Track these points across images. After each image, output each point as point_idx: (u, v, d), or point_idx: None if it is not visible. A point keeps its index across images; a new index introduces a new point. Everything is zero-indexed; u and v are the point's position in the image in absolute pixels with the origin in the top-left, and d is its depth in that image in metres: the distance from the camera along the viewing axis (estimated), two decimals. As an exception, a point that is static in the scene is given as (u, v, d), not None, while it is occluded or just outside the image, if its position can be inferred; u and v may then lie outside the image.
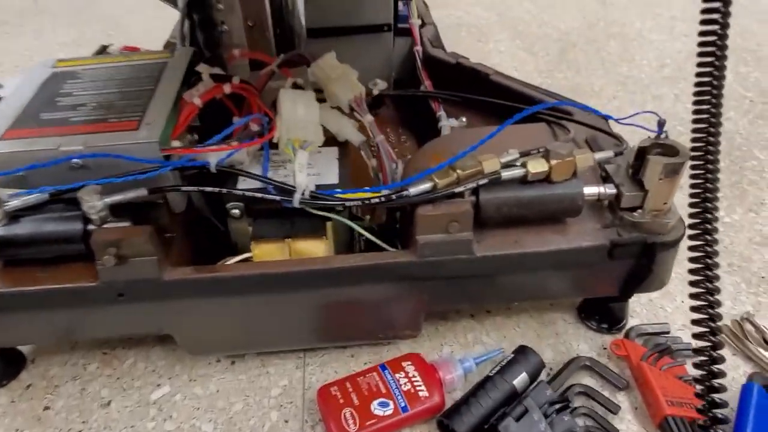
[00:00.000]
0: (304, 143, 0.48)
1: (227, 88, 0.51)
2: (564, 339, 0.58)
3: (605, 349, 0.56)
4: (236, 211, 0.48)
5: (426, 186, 0.45)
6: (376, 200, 0.44)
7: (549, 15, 1.30)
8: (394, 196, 0.44)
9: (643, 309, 0.60)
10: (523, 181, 0.46)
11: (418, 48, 0.83)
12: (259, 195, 0.46)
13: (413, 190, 0.44)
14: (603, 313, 0.57)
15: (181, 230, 0.51)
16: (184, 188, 0.46)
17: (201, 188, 0.46)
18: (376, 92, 0.82)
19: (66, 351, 0.59)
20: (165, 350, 0.58)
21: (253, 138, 0.49)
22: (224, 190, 0.45)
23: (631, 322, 0.58)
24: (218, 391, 0.55)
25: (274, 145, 0.51)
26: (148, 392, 0.55)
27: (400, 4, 0.85)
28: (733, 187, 0.76)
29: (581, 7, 1.32)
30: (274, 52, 0.69)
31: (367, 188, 0.47)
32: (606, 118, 0.55)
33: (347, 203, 0.44)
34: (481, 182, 0.45)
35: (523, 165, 0.46)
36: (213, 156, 0.46)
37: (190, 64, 0.57)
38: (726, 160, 0.81)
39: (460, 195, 0.46)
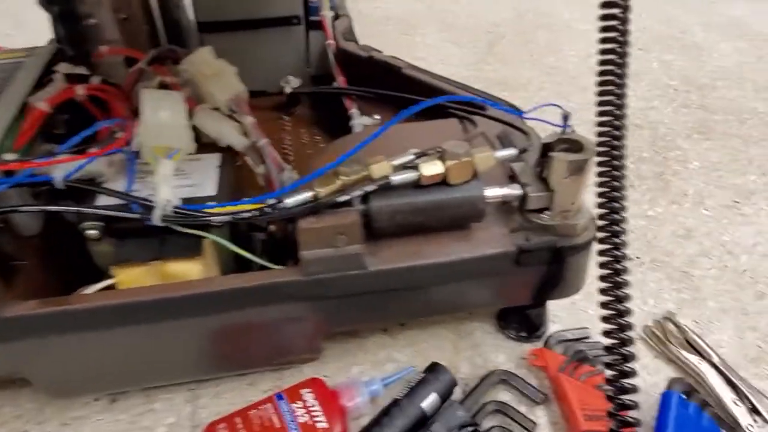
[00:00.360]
0: (171, 151, 0.41)
1: (81, 90, 0.45)
2: (482, 351, 0.54)
3: (524, 359, 0.52)
4: (93, 232, 0.41)
5: (306, 195, 0.39)
6: (248, 214, 0.38)
7: (479, 6, 1.27)
8: (267, 209, 0.38)
9: (564, 313, 0.57)
10: (418, 185, 0.42)
11: (331, 42, 0.77)
12: (115, 213, 0.39)
13: (290, 201, 0.39)
14: (521, 320, 0.53)
15: (35, 256, 0.44)
16: (22, 208, 0.39)
17: (44, 208, 0.39)
18: (288, 90, 0.76)
19: None
20: (35, 391, 0.51)
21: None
22: (72, 209, 0.39)
23: (553, 327, 0.55)
24: (94, 436, 0.48)
25: None
26: (11, 442, 0.48)
27: (312, -5, 0.80)
28: (657, 178, 0.74)
29: (510, -2, 1.30)
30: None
31: (245, 200, 0.42)
32: (511, 113, 0.51)
33: (214, 219, 0.39)
34: (369, 189, 0.40)
35: (415, 168, 0.41)
36: (58, 169, 0.40)
37: (50, 64, 0.50)
38: (650, 151, 0.79)
39: (348, 204, 0.41)
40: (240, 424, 0.45)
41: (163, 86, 0.47)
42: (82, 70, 0.50)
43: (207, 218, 0.39)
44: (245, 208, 0.39)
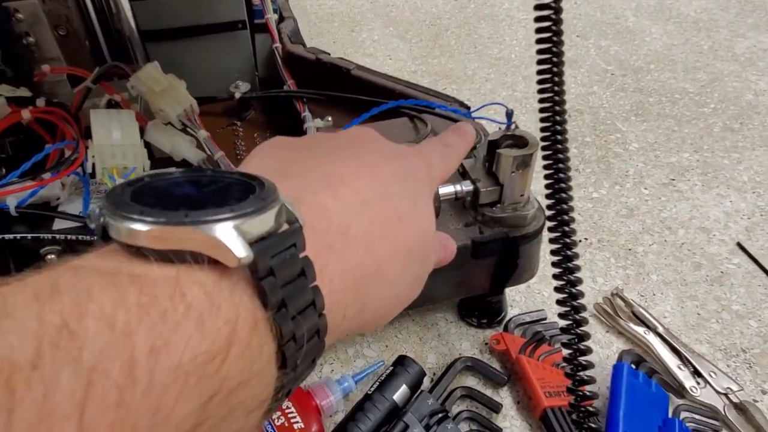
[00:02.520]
0: (126, 170, 0.42)
1: (26, 114, 0.44)
2: (446, 340, 0.56)
3: (486, 344, 0.55)
4: (52, 257, 0.41)
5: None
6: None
7: (420, 0, 1.29)
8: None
9: (522, 297, 0.60)
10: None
11: (277, 45, 0.78)
12: (72, 236, 0.39)
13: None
14: (481, 308, 0.56)
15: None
16: (-21, 239, 0.39)
17: (3, 236, 0.39)
18: (238, 95, 0.76)
19: None
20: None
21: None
22: (28, 236, 0.38)
23: (511, 312, 0.58)
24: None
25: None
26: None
27: (253, -1, 0.80)
28: (600, 161, 0.78)
29: (452, -10, 1.32)
30: (107, 61, 0.62)
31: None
32: (460, 113, 0.53)
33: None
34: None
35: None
36: (11, 197, 0.39)
37: (-9, 86, 0.49)
38: (591, 135, 0.83)
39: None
40: None
41: (112, 104, 0.47)
42: (24, 92, 0.49)
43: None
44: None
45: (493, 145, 0.45)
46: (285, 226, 0.18)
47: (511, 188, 0.45)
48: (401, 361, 0.50)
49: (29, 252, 0.42)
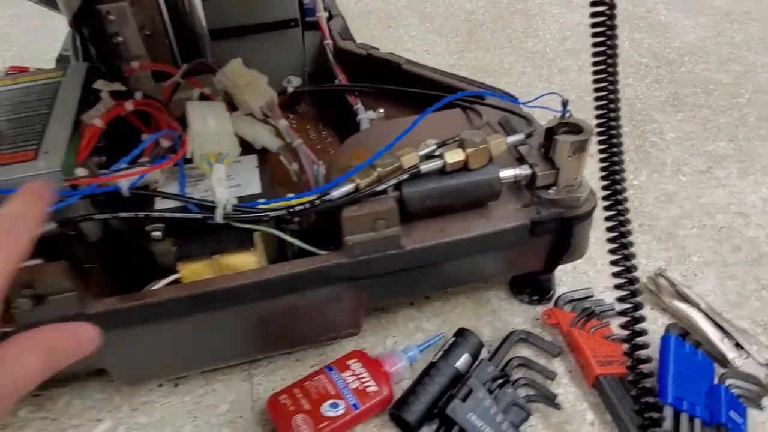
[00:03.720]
0: (220, 156, 0.46)
1: (129, 106, 0.49)
2: (500, 315, 0.60)
3: (537, 319, 0.59)
4: (157, 233, 0.46)
5: (348, 187, 0.45)
6: (301, 207, 0.44)
7: (455, -4, 1.32)
8: (318, 202, 0.44)
9: (568, 277, 0.64)
10: (443, 171, 0.47)
11: (329, 42, 0.82)
12: (179, 215, 0.44)
13: (336, 193, 0.44)
14: (532, 286, 0.60)
15: (100, 258, 0.49)
16: (96, 217, 0.44)
17: (116, 215, 0.44)
18: (290, 90, 0.81)
19: (-11, 400, 0.55)
20: (102, 383, 0.56)
21: (164, 156, 0.47)
22: (141, 214, 0.43)
23: (559, 290, 0.62)
24: (163, 417, 0.53)
25: (188, 159, 0.49)
26: (89, 430, 0.52)
27: (305, -2, 0.84)
28: (638, 150, 0.81)
29: (485, -14, 1.35)
30: (179, 59, 0.66)
31: (291, 195, 0.47)
32: (514, 102, 0.57)
33: (272, 213, 0.44)
34: (402, 177, 0.45)
35: (441, 156, 0.47)
36: (124, 180, 0.44)
37: (87, 82, 0.54)
38: (629, 126, 0.86)
39: (383, 192, 0.46)
40: (299, 393, 0.50)
41: (203, 97, 0.52)
42: (118, 86, 0.54)
43: (264, 213, 0.44)
44: (296, 202, 0.44)
45: (551, 132, 0.49)
46: None
47: (566, 172, 0.49)
48: (461, 333, 0.55)
49: (133, 229, 0.47)
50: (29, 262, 0.43)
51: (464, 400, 0.49)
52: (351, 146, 0.59)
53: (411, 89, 0.69)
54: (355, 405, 0.50)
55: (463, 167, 0.47)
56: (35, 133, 0.48)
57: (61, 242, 0.45)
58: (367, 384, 0.51)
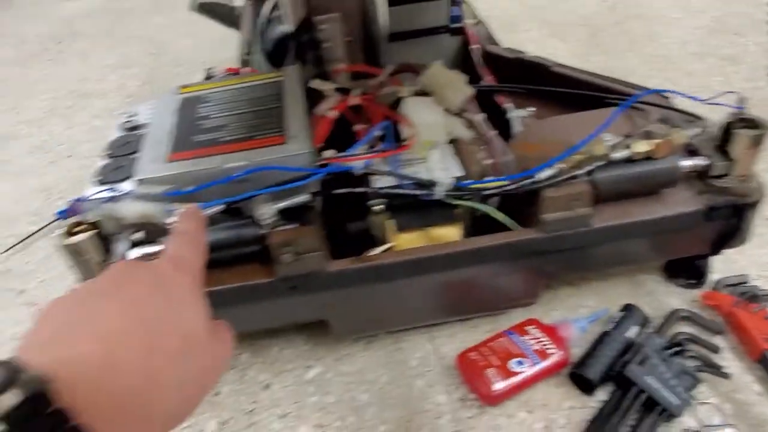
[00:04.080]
0: (435, 144, 0.55)
1: (354, 101, 0.58)
2: (656, 297, 0.65)
3: (695, 302, 0.64)
4: (379, 207, 0.55)
5: (551, 172, 0.52)
6: (513, 186, 0.51)
7: (570, 1, 1.37)
8: (527, 182, 0.51)
9: (719, 264, 0.68)
10: (629, 160, 0.54)
11: (476, 46, 0.90)
12: (406, 192, 0.53)
13: (542, 175, 0.51)
14: (689, 270, 0.65)
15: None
16: (340, 190, 0.53)
17: (354, 189, 0.53)
18: (407, 94, 0.89)
19: (215, 346, 0.66)
20: (304, 337, 0.66)
21: (384, 143, 0.56)
22: (383, 189, 0.52)
23: (712, 276, 0.66)
24: (363, 367, 0.62)
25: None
26: (303, 373, 0.62)
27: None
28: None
29: (598, -9, 1.39)
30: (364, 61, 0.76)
31: (490, 178, 0.55)
32: (694, 100, 0.62)
33: (487, 192, 0.52)
34: (598, 164, 0.52)
35: (627, 146, 0.53)
36: (358, 162, 0.53)
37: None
38: None
39: (574, 177, 0.53)
40: (487, 351, 0.58)
41: (417, 94, 0.60)
42: (330, 85, 0.63)
43: (480, 192, 0.52)
44: (503, 183, 0.52)
45: (729, 126, 0.54)
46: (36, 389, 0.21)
47: (742, 163, 0.54)
48: (629, 308, 0.61)
49: (363, 204, 0.56)
50: (289, 226, 0.52)
51: (641, 364, 0.55)
52: (521, 140, 0.66)
53: (565, 90, 0.76)
54: (538, 363, 0.56)
55: (648, 157, 0.53)
56: (276, 123, 0.58)
57: (300, 212, 0.55)
58: (547, 346, 0.58)
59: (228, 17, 1.23)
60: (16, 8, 1.75)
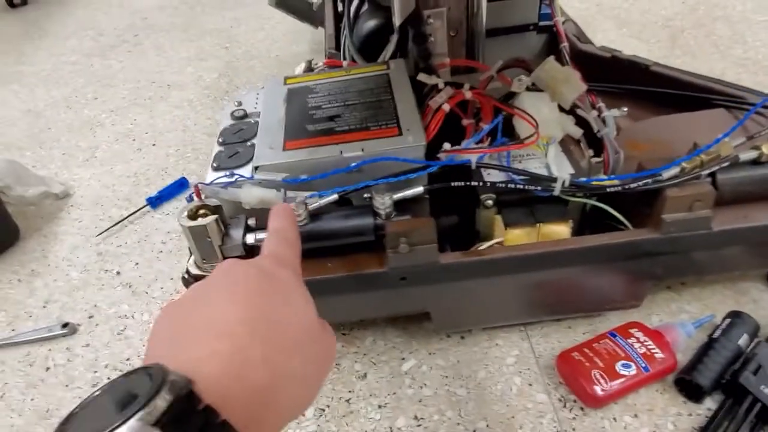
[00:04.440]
0: (551, 139, 0.54)
1: (468, 94, 0.58)
2: (763, 305, 0.63)
3: (804, 312, 0.62)
4: (490, 202, 0.55)
5: (675, 171, 0.51)
6: (636, 185, 0.50)
7: (647, 1, 1.33)
8: (650, 181, 0.50)
9: (828, 275, 0.65)
10: (755, 162, 0.52)
11: (565, 44, 0.88)
12: (524, 187, 0.52)
13: (666, 175, 0.50)
14: (799, 280, 0.63)
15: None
16: (454, 183, 0.53)
17: (468, 182, 0.53)
18: (520, 88, 0.88)
19: (309, 333, 0.67)
20: (397, 329, 0.66)
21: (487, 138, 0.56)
22: (501, 183, 0.52)
23: (820, 288, 0.63)
24: (459, 362, 0.62)
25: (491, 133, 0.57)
26: (398, 365, 0.62)
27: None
28: None
29: (678, -8, 1.36)
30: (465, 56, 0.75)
31: (603, 177, 0.54)
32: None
33: (608, 189, 0.51)
34: (723, 165, 0.51)
35: (756, 148, 0.52)
36: (474, 155, 0.53)
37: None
38: None
39: (698, 177, 0.52)
40: (590, 352, 0.57)
41: (530, 89, 0.60)
42: (436, 79, 0.63)
43: (601, 190, 0.51)
44: (623, 182, 0.51)
45: None
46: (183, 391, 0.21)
47: None
48: (738, 315, 0.59)
49: (474, 197, 0.56)
50: (403, 217, 0.53)
51: (755, 373, 0.53)
52: (627, 139, 0.65)
53: (669, 91, 0.74)
54: (645, 368, 0.55)
55: (774, 159, 0.52)
56: (390, 114, 0.58)
57: (414, 204, 0.55)
58: (653, 351, 0.56)
59: (304, 12, 1.25)
60: (92, 2, 1.82)
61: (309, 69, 0.76)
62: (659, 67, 0.78)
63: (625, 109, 0.76)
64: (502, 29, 0.87)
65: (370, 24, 0.79)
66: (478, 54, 0.76)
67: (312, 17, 1.24)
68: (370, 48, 0.78)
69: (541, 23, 0.91)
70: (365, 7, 0.84)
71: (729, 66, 1.06)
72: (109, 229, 0.87)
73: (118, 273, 0.80)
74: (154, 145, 1.07)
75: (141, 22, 1.62)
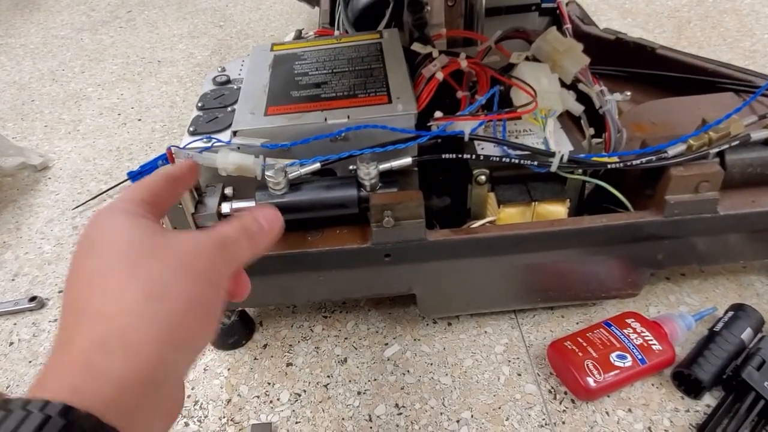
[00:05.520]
0: (550, 112, 0.51)
1: (464, 63, 0.55)
2: (767, 299, 0.60)
3: (810, 307, 0.58)
4: (483, 177, 0.51)
5: (681, 148, 0.47)
6: (638, 161, 0.47)
7: (653, -8, 1.30)
8: (654, 158, 0.47)
9: (837, 270, 0.62)
10: (767, 142, 0.49)
11: (568, 26, 0.85)
12: (520, 161, 0.49)
13: (671, 152, 0.47)
14: (806, 273, 0.59)
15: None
16: (445, 156, 0.50)
17: (460, 155, 0.50)
18: (519, 59, 0.84)
19: (288, 315, 0.64)
20: (381, 313, 0.63)
21: (483, 111, 0.52)
22: (495, 157, 0.49)
23: (828, 282, 0.60)
24: (444, 349, 0.58)
25: (486, 106, 0.54)
26: (380, 350, 0.59)
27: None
28: None
29: (685, -16, 1.32)
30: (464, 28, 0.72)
31: (603, 153, 0.50)
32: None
33: (609, 166, 0.47)
34: (733, 144, 0.47)
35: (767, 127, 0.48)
36: (467, 125, 0.50)
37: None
38: None
39: (705, 157, 0.48)
40: (583, 342, 0.54)
41: (529, 59, 0.56)
42: (430, 49, 0.60)
43: (601, 166, 0.47)
44: (626, 158, 0.48)
45: None
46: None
47: None
48: (742, 308, 0.55)
49: (465, 172, 0.52)
50: (389, 190, 0.49)
51: (758, 369, 0.50)
52: (630, 119, 0.62)
53: (675, 74, 0.71)
54: (642, 360, 0.52)
55: (789, 141, 0.48)
56: (380, 82, 0.55)
57: (402, 176, 0.52)
58: (651, 342, 0.53)
59: (302, -10, 1.21)
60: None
61: (299, 37, 0.72)
62: (665, 50, 0.74)
63: (628, 93, 0.72)
64: (504, 8, 0.84)
65: (365, -2, 0.75)
66: (477, 29, 0.72)
67: (309, -4, 1.21)
68: (365, 23, 0.75)
69: (545, 4, 0.88)
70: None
71: (736, 58, 1.03)
72: (86, 202, 0.83)
73: (92, 247, 0.76)
74: (139, 120, 1.03)
75: (135, -2, 1.58)
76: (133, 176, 0.87)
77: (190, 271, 0.24)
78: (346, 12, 0.78)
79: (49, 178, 0.90)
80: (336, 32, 0.71)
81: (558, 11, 0.87)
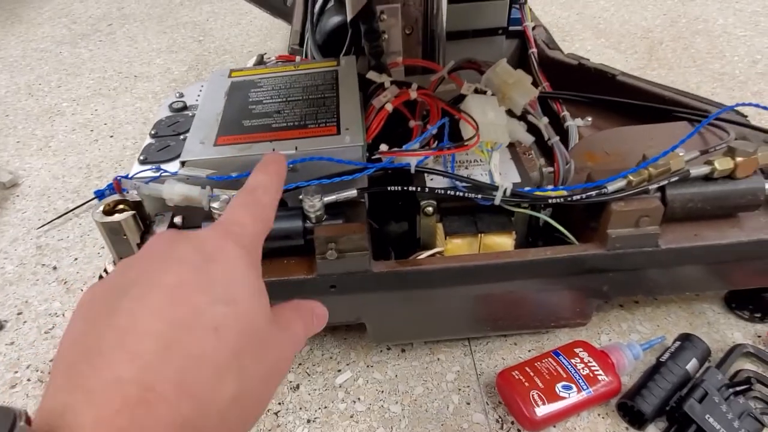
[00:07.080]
0: (496, 145, 0.51)
1: (414, 94, 0.55)
2: (717, 328, 0.60)
3: (759, 337, 0.59)
4: (430, 209, 0.52)
5: (621, 184, 0.48)
6: (578, 197, 0.47)
7: (628, 12, 1.32)
8: (593, 194, 0.47)
9: (788, 299, 0.63)
10: (707, 177, 0.49)
11: (534, 50, 0.86)
12: (464, 194, 0.49)
13: (611, 188, 0.48)
14: (755, 302, 0.60)
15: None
16: (390, 188, 0.50)
17: (407, 188, 0.50)
18: (468, 90, 0.85)
19: (244, 340, 0.64)
20: (337, 339, 0.63)
21: (439, 142, 0.52)
22: (440, 190, 0.49)
23: (779, 311, 0.61)
24: (396, 376, 0.59)
25: (438, 135, 0.54)
26: (333, 377, 0.59)
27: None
28: None
29: (660, 4, 1.34)
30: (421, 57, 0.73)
31: (549, 187, 0.51)
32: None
33: (551, 200, 0.48)
34: (672, 179, 0.48)
35: (708, 163, 0.49)
36: (413, 158, 0.50)
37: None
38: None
39: (646, 192, 0.49)
40: (530, 372, 0.54)
41: (477, 91, 0.57)
42: (386, 78, 0.60)
43: (543, 200, 0.48)
44: (566, 193, 0.48)
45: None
46: None
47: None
48: (688, 338, 0.56)
49: (415, 202, 0.53)
50: (334, 221, 0.50)
51: (700, 401, 0.50)
52: (581, 149, 0.62)
53: (632, 101, 0.71)
54: (587, 390, 0.52)
55: (729, 175, 0.49)
56: (331, 112, 0.55)
57: (346, 208, 0.52)
58: (597, 372, 0.54)
59: (277, 8, 1.22)
60: (70, -11, 1.78)
61: (260, 62, 0.73)
62: (625, 77, 0.75)
63: (590, 118, 0.74)
64: (471, 32, 0.84)
65: (333, 20, 0.76)
66: (438, 56, 0.73)
67: (285, 13, 1.21)
68: (332, 46, 0.75)
69: (511, 28, 0.89)
70: (331, 3, 0.81)
71: (705, 80, 1.04)
72: (52, 221, 0.83)
73: (54, 268, 0.76)
74: (111, 136, 1.03)
75: (117, 12, 1.58)
76: (100, 195, 0.87)
77: (202, 278, 0.23)
78: (313, 36, 0.78)
79: (17, 196, 0.90)
80: (297, 58, 0.71)
81: (525, 35, 0.88)
